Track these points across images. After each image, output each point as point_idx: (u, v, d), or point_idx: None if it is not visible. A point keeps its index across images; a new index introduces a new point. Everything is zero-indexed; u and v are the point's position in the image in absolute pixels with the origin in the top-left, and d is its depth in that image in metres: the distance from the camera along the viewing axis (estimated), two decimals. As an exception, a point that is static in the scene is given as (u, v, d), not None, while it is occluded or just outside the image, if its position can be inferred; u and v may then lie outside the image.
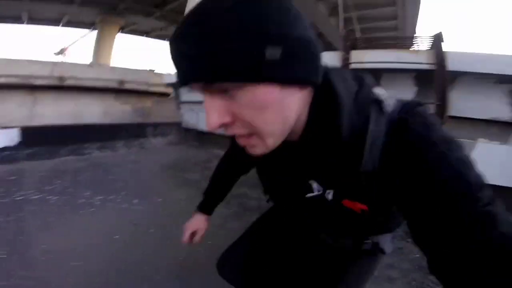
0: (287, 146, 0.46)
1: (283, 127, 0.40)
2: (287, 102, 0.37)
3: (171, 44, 0.36)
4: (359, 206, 0.46)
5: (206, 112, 0.37)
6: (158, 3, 13.38)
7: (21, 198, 2.42)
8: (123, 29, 14.97)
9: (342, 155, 0.43)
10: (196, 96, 4.42)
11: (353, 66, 2.84)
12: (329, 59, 3.07)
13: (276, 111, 0.37)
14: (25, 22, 14.52)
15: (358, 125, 0.42)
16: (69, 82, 5.97)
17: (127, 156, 4.28)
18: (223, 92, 0.35)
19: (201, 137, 4.83)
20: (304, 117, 0.43)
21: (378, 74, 2.86)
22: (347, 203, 0.47)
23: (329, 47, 14.67)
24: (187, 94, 4.83)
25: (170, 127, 6.28)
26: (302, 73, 0.36)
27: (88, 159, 4.03)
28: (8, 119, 5.45)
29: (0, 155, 3.89)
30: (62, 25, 15.99)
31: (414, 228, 0.39)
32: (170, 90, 6.82)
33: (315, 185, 0.50)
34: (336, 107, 0.41)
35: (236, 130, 0.39)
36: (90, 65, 6.29)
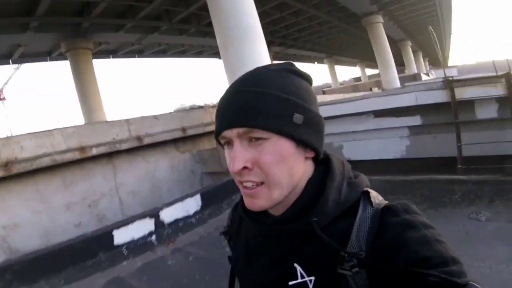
0: (272, 222, 0.57)
1: (289, 183, 0.52)
2: (296, 162, 0.52)
3: (223, 99, 0.54)
4: None
5: (233, 157, 0.51)
6: (124, 12, 12.77)
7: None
8: (95, 54, 13.95)
9: (327, 235, 0.50)
10: None
11: (457, 99, 3.74)
12: (437, 96, 3.94)
13: (288, 164, 0.51)
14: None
15: (346, 208, 0.52)
16: (147, 141, 6.09)
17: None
18: (252, 140, 0.50)
19: None
20: (299, 190, 0.55)
21: (471, 102, 3.84)
22: None
23: (336, 6, 15.98)
24: None
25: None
26: (312, 139, 0.52)
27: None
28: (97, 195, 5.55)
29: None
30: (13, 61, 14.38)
31: None
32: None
33: (299, 269, 0.53)
34: (327, 182, 0.53)
35: (251, 178, 0.51)
36: (155, 117, 6.35)
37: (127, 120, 5.99)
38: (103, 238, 3.71)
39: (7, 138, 5.02)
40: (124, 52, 17.57)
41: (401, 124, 4.11)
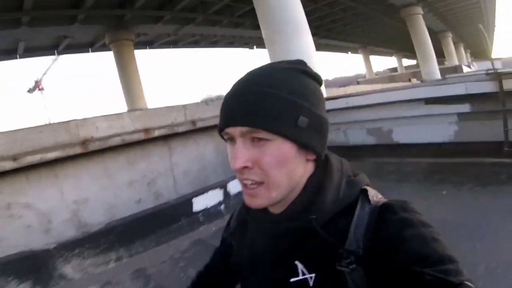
0: (271, 220, 0.60)
1: (288, 184, 0.54)
2: (297, 164, 0.54)
3: (229, 95, 0.55)
4: None
5: (234, 154, 0.53)
6: (163, 4, 13.58)
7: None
8: (136, 45, 14.99)
9: (326, 232, 0.51)
10: (344, 117, 5.52)
11: (505, 90, 4.04)
12: (486, 86, 4.26)
13: (288, 167, 0.52)
14: (19, 54, 14.21)
15: (345, 206, 0.54)
16: (200, 125, 6.77)
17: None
18: (255, 140, 0.52)
19: (350, 154, 5.88)
20: (299, 189, 0.57)
21: None
22: None
23: (384, 2, 16.19)
24: (333, 117, 5.84)
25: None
26: (315, 143, 0.54)
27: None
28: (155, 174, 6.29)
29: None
30: (58, 52, 15.72)
31: None
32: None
33: (300, 266, 0.55)
34: (326, 181, 0.55)
35: (251, 176, 0.53)
36: (207, 103, 7.03)
37: (184, 106, 6.69)
38: (185, 205, 4.38)
39: (85, 119, 5.80)
40: (160, 43, 18.58)
41: (450, 111, 4.44)
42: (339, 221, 0.53)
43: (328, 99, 7.19)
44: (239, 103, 0.52)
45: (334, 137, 5.75)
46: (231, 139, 0.55)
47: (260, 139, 0.51)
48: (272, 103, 0.50)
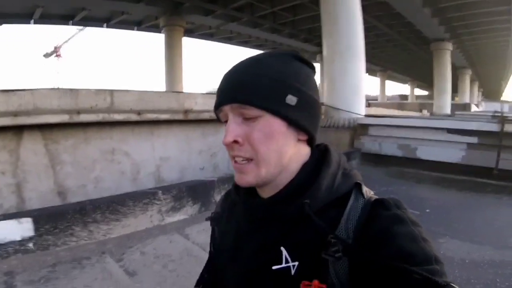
0: (261, 204, 0.62)
1: (277, 161, 0.57)
2: (287, 142, 0.57)
3: (225, 76, 0.59)
4: (317, 285, 0.51)
5: (226, 130, 0.56)
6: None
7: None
8: (190, 32, 16.90)
9: (317, 218, 0.53)
10: (381, 132, 7.61)
11: (504, 131, 6.03)
12: (492, 126, 6.30)
13: (278, 143, 0.56)
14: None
15: (338, 196, 0.57)
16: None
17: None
18: (246, 117, 0.56)
19: (379, 160, 7.86)
20: (290, 173, 0.59)
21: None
22: (304, 287, 0.53)
23: (410, 28, 18.54)
24: (373, 130, 7.93)
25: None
26: (305, 121, 0.57)
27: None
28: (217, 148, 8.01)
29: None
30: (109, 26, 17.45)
31: None
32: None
33: (285, 252, 0.57)
34: (323, 168, 0.58)
35: (241, 152, 0.56)
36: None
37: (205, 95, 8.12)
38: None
39: (190, 93, 7.50)
40: (199, 33, 20.49)
41: (463, 141, 6.44)
42: (331, 211, 0.55)
43: (374, 116, 9.31)
44: (231, 82, 0.57)
45: (371, 146, 7.78)
46: (227, 120, 0.58)
47: (251, 117, 0.55)
48: (262, 81, 0.54)
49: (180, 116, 7.19)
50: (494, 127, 6.34)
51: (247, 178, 0.58)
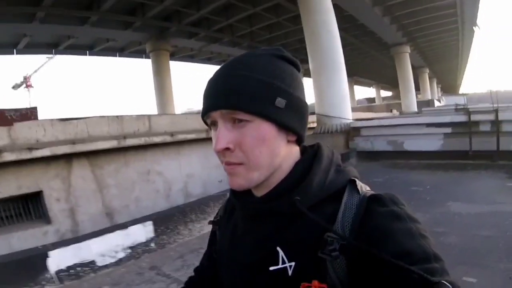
0: (255, 201, 0.63)
1: (269, 164, 0.57)
2: (278, 144, 0.57)
3: (210, 81, 0.59)
4: (317, 286, 0.51)
5: (216, 137, 0.56)
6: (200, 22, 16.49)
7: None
8: (172, 55, 17.77)
9: (313, 216, 0.53)
10: (372, 131, 8.97)
11: (471, 120, 7.70)
12: (461, 118, 7.89)
13: (269, 146, 0.55)
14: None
15: (332, 192, 0.57)
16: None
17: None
18: (236, 122, 0.55)
19: (373, 156, 8.99)
20: (282, 172, 0.60)
21: (478, 122, 7.62)
22: (304, 287, 0.52)
23: (372, 36, 20.45)
24: (364, 131, 9.27)
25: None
26: (294, 124, 0.57)
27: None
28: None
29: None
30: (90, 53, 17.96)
31: None
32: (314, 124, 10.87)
33: (281, 253, 0.56)
34: (314, 164, 0.59)
35: (232, 159, 0.56)
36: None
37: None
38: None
39: (198, 113, 8.42)
40: (181, 56, 21.47)
41: (440, 131, 7.88)
42: (325, 208, 0.55)
43: (365, 119, 10.62)
44: (218, 87, 0.56)
45: (364, 145, 9.08)
46: (214, 124, 0.58)
47: (240, 121, 0.54)
48: (250, 85, 0.53)
49: (203, 135, 7.96)
50: (463, 118, 7.89)
51: (239, 181, 0.58)
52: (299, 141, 0.62)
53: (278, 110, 0.55)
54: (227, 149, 0.55)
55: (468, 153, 7.52)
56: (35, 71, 38.59)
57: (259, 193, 0.62)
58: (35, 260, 3.36)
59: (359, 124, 9.73)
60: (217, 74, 0.58)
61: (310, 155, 0.61)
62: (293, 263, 0.55)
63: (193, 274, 0.88)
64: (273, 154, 0.56)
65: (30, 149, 6.01)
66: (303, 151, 0.63)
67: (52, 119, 6.63)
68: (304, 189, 0.56)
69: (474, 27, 19.84)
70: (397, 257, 0.45)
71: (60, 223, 6.50)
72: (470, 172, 6.85)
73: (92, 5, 13.02)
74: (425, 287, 0.43)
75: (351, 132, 9.64)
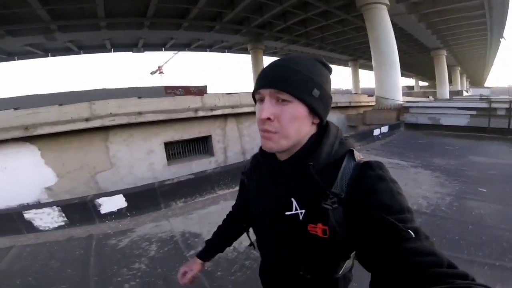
0: (278, 164, 0.67)
1: (296, 137, 0.60)
2: (305, 123, 0.61)
3: (265, 69, 0.62)
4: (321, 227, 0.57)
5: (262, 109, 0.59)
6: (284, 29, 17.88)
7: None
8: (264, 52, 20.07)
9: (318, 177, 0.58)
10: (417, 110, 10.42)
11: (491, 107, 8.91)
12: (484, 104, 9.30)
13: (299, 123, 0.60)
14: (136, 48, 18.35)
15: (335, 159, 0.61)
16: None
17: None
18: (279, 101, 0.58)
19: (416, 127, 9.71)
20: (303, 143, 0.63)
21: (495, 108, 8.81)
22: (311, 228, 0.59)
23: (416, 42, 20.84)
24: (412, 110, 10.80)
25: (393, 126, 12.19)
26: (321, 110, 0.61)
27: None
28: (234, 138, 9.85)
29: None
30: (211, 50, 20.63)
31: (360, 250, 0.55)
32: (373, 103, 12.48)
33: (295, 202, 0.62)
34: (324, 138, 0.63)
35: (270, 127, 0.59)
36: (341, 94, 11.79)
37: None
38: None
39: (240, 93, 8.92)
40: (268, 52, 22.83)
41: (467, 113, 8.92)
42: (329, 171, 0.60)
43: (412, 101, 11.87)
44: (272, 73, 0.60)
45: (410, 118, 10.25)
46: (261, 100, 0.61)
47: (283, 100, 0.58)
48: (296, 76, 0.58)
49: (245, 109, 8.95)
50: (485, 105, 9.04)
51: (271, 145, 0.61)
52: (320, 124, 0.65)
53: (313, 98, 0.59)
54: (268, 119, 0.59)
55: (487, 129, 8.48)
56: (166, 62, 44.13)
57: (281, 157, 0.66)
58: (207, 177, 4.06)
59: (408, 104, 10.93)
60: (272, 65, 0.63)
61: (321, 131, 0.65)
62: (303, 210, 0.62)
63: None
64: (300, 129, 0.61)
65: (212, 109, 8.32)
66: (318, 127, 0.66)
67: (222, 93, 8.87)
68: (316, 157, 0.61)
69: (500, 39, 19.22)
70: (380, 209, 0.51)
71: (218, 156, 8.64)
72: (486, 142, 7.57)
73: (216, 18, 15.25)
74: (396, 231, 0.49)
75: (401, 109, 10.68)
